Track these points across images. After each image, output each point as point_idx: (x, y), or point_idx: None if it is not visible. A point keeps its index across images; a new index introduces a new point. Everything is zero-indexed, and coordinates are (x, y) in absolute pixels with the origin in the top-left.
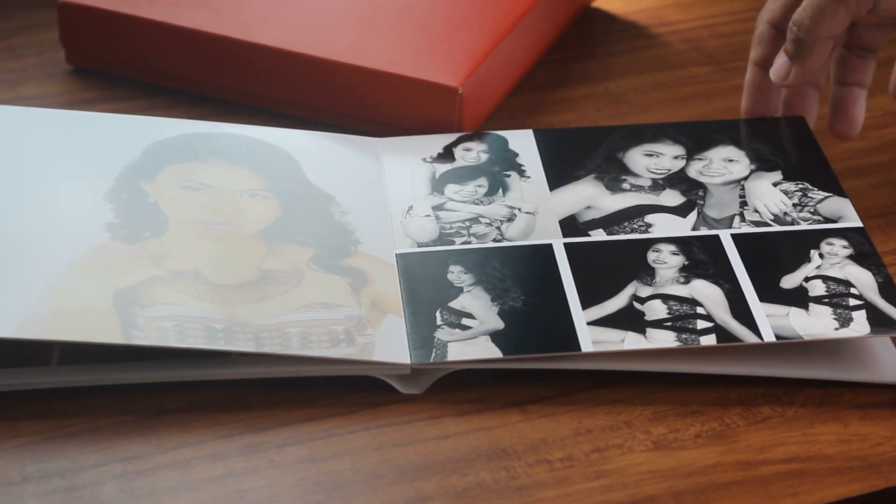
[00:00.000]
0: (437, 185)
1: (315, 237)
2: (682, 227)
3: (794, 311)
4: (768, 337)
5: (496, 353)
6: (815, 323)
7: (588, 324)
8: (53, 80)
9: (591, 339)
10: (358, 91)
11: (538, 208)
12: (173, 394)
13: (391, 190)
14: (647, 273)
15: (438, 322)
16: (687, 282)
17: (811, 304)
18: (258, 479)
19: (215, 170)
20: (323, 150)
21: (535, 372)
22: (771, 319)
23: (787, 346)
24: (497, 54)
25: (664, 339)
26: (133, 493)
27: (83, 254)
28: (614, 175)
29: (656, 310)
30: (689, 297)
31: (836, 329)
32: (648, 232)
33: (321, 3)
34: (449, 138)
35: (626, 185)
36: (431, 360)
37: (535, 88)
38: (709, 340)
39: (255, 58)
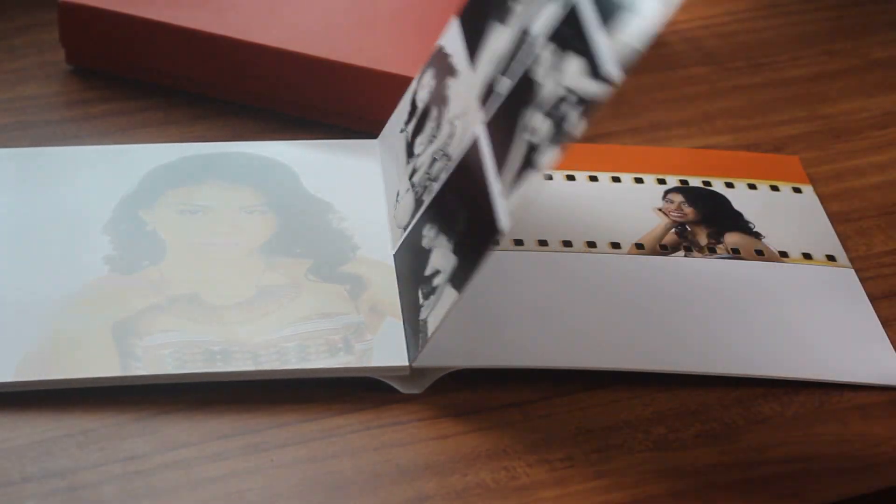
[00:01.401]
0: (409, 149)
1: (313, 248)
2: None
3: None
4: None
5: (454, 295)
6: None
7: (503, 198)
8: (53, 80)
9: (508, 212)
10: (358, 91)
11: (468, 102)
12: (173, 394)
13: (388, 187)
14: (535, 92)
15: (420, 302)
16: (558, 68)
17: None
18: (258, 479)
19: (213, 190)
20: (321, 159)
21: (535, 372)
22: None
23: (787, 347)
24: None
25: (550, 154)
26: (133, 493)
27: (82, 289)
28: (506, 5)
29: (539, 128)
30: (563, 86)
31: None
32: (533, 46)
33: (321, 3)
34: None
35: (512, 4)
36: (419, 346)
37: None
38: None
39: (255, 58)
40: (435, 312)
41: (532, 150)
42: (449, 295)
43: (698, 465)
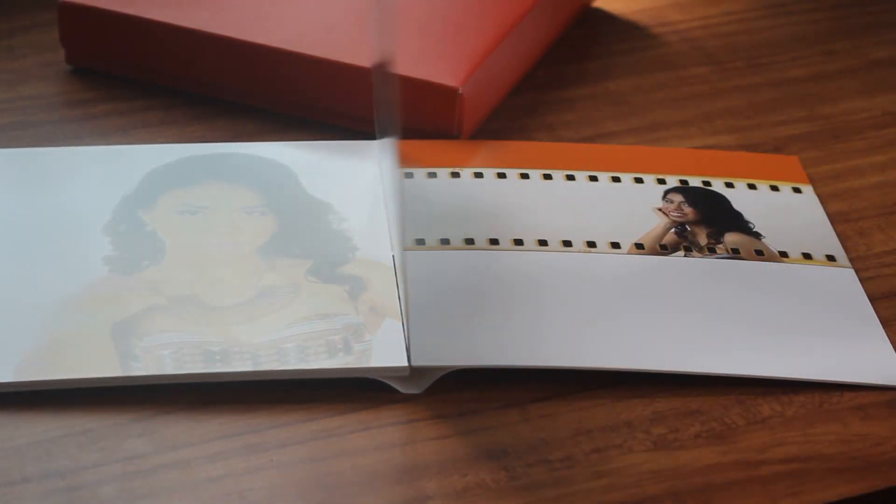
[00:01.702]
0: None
1: (312, 248)
2: None
3: None
4: None
5: (401, 287)
6: None
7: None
8: (53, 80)
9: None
10: (358, 91)
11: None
12: (173, 394)
13: (385, 187)
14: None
15: (402, 298)
16: None
17: None
18: (258, 479)
19: (213, 191)
20: (321, 160)
21: (535, 372)
22: None
23: (787, 347)
24: (497, 54)
25: (395, 117)
26: (133, 493)
27: (81, 290)
28: None
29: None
30: None
31: None
32: None
33: (321, 3)
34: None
35: None
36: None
37: (535, 88)
38: None
39: (255, 58)
40: (404, 308)
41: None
42: (402, 287)
43: (698, 465)
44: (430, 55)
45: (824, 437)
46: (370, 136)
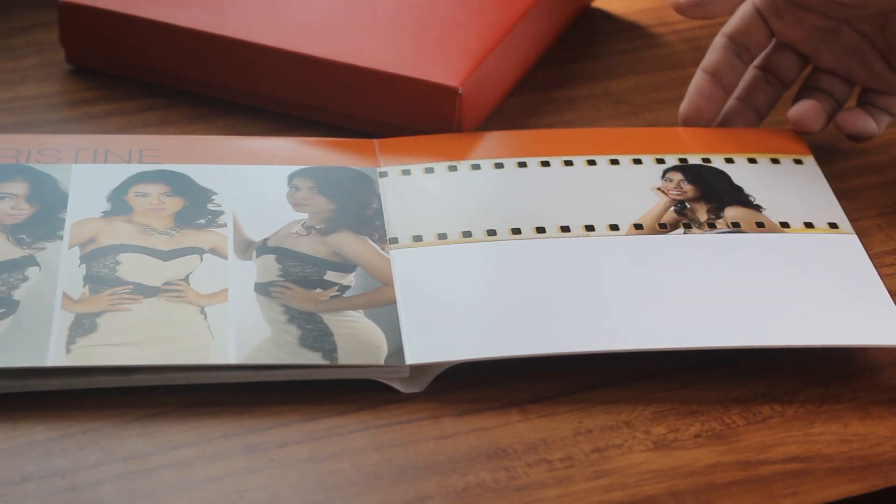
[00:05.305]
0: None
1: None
2: None
3: None
4: None
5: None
6: None
7: None
8: (53, 80)
9: None
10: (358, 91)
11: None
12: (173, 394)
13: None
14: None
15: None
16: None
17: None
18: (258, 479)
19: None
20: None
21: (535, 372)
22: None
23: (792, 316)
24: (497, 54)
25: None
26: (133, 493)
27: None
28: None
29: None
30: None
31: None
32: None
33: (321, 3)
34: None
35: None
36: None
37: (535, 88)
38: None
39: (255, 58)
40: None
41: None
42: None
43: (698, 465)
44: (430, 55)
45: (824, 437)
46: (369, 135)
